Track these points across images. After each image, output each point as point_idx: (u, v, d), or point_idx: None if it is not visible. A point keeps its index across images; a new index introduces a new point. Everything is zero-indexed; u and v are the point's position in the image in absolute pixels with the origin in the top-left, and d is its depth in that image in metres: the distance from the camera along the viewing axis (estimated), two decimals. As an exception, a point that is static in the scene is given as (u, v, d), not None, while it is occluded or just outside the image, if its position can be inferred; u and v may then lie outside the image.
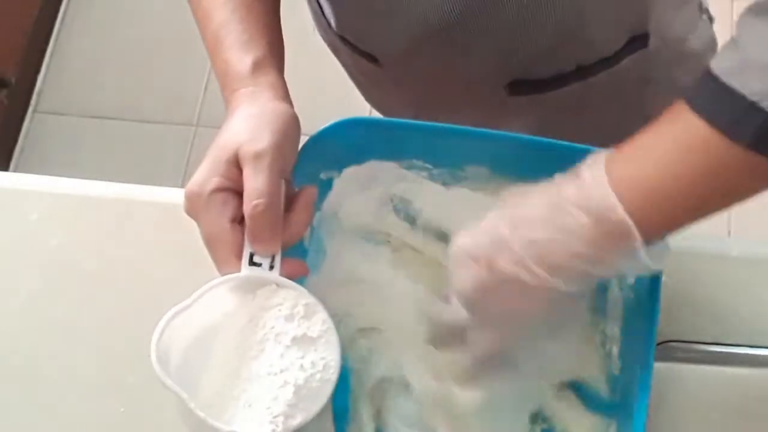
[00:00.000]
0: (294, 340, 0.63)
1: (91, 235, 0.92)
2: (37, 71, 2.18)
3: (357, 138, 0.76)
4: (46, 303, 0.88)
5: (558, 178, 0.61)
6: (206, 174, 0.64)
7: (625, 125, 0.61)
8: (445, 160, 0.77)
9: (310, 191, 0.67)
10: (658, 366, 0.66)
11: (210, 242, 0.64)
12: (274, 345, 0.63)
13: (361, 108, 1.15)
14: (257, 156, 0.63)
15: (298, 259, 0.67)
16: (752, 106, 0.51)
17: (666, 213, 0.57)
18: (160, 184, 0.95)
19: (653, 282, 0.69)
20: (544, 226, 0.59)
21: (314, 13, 0.94)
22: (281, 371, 0.62)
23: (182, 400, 0.59)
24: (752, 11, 0.54)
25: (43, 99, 2.17)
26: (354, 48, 0.89)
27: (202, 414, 0.59)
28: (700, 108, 0.54)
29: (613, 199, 0.56)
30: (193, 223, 0.65)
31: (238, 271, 0.63)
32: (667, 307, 0.68)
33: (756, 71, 0.52)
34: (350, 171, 0.78)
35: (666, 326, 0.68)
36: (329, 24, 0.90)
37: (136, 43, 2.18)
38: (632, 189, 0.57)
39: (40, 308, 0.88)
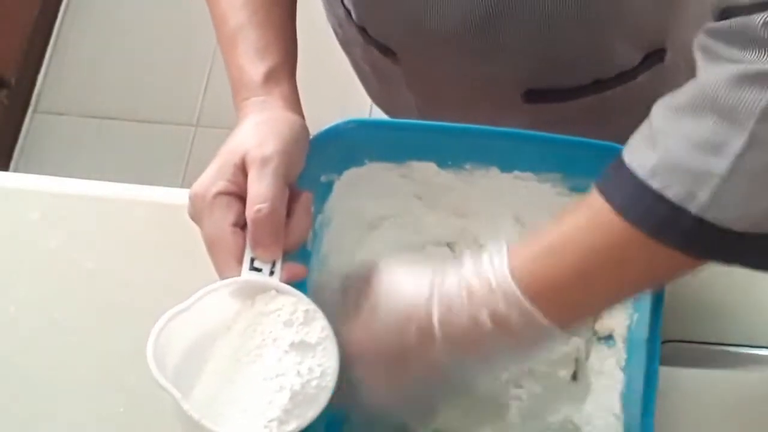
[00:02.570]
0: (292, 345, 0.62)
1: (91, 235, 0.91)
2: (37, 71, 2.18)
3: (356, 140, 0.75)
4: (46, 303, 0.88)
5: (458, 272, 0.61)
6: (212, 177, 0.64)
7: None
8: (447, 159, 0.77)
9: (307, 196, 0.67)
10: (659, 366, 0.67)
11: (211, 245, 0.63)
12: (272, 350, 0.62)
13: (361, 109, 1.15)
14: (263, 161, 0.63)
15: (297, 263, 0.67)
16: (676, 208, 0.52)
17: (585, 315, 0.60)
18: (160, 184, 0.95)
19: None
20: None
21: (329, 2, 0.94)
22: (277, 376, 0.61)
23: (176, 400, 0.59)
24: (670, 107, 0.54)
25: (43, 99, 2.17)
26: (372, 41, 0.89)
27: (196, 415, 0.59)
28: (622, 209, 0.54)
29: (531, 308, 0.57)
30: (194, 224, 0.65)
31: (239, 275, 0.63)
32: (668, 306, 0.68)
33: (677, 173, 0.52)
34: (350, 173, 0.78)
35: (666, 326, 0.68)
36: (349, 14, 0.89)
37: (136, 43, 2.18)
38: (551, 298, 0.57)
39: (39, 308, 0.88)
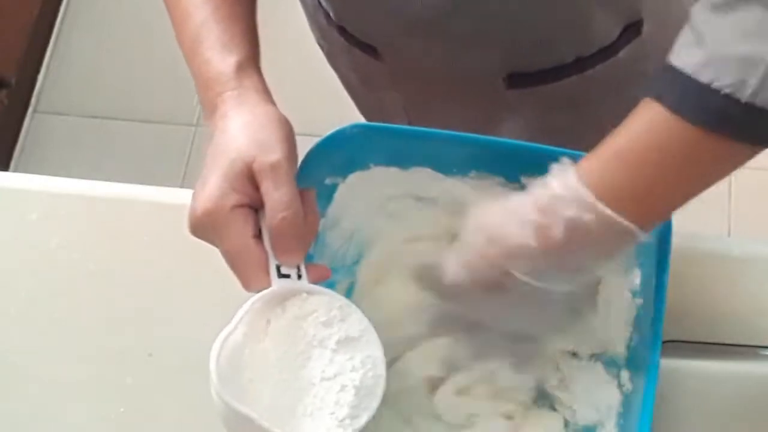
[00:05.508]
0: (339, 343, 0.63)
1: (91, 235, 0.92)
2: (37, 71, 2.18)
3: (362, 144, 0.75)
4: (46, 303, 0.88)
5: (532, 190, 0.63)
6: (221, 190, 0.62)
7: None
8: (450, 166, 0.77)
9: (311, 193, 0.67)
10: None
11: (236, 259, 0.63)
12: (321, 351, 0.63)
13: (359, 115, 1.15)
14: (274, 168, 0.62)
15: (319, 263, 0.67)
16: (728, 98, 0.54)
17: (654, 212, 0.60)
18: (160, 184, 0.95)
19: (659, 281, 0.69)
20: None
21: (310, 10, 0.94)
22: (335, 375, 0.62)
23: (253, 420, 0.58)
24: (706, 7, 0.56)
25: (43, 99, 2.17)
26: (353, 39, 0.88)
27: (278, 431, 0.59)
28: (676, 106, 0.56)
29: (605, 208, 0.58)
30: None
31: (268, 285, 0.62)
32: (668, 306, 0.68)
33: (725, 64, 0.54)
34: (355, 177, 0.77)
35: (667, 325, 0.68)
36: (328, 15, 0.89)
37: (136, 43, 2.18)
38: (619, 196, 0.59)
39: (39, 308, 0.88)
